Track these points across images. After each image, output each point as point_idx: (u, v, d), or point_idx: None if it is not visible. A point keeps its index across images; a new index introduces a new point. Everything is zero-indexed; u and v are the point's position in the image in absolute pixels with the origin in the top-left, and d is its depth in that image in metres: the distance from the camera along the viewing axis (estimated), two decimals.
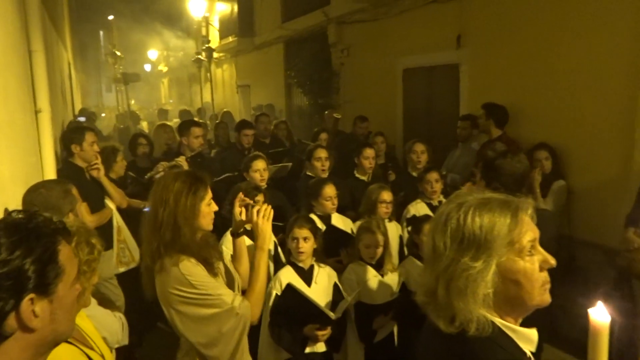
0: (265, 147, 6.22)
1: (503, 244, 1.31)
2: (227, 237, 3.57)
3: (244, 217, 2.53)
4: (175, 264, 2.11)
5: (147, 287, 2.23)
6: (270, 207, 2.39)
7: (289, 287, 2.94)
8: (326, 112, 8.07)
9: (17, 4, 3.73)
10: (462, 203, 1.37)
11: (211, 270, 2.22)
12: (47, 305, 1.15)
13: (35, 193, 2.67)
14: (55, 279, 1.16)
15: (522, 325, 1.40)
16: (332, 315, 2.80)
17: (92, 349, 1.78)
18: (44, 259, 1.13)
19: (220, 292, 2.14)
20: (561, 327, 4.50)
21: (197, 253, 2.17)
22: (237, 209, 2.57)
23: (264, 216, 2.36)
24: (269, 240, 2.38)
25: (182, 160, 4.77)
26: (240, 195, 2.66)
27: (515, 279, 1.32)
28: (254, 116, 8.55)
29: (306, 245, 3.15)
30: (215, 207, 2.30)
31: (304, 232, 3.16)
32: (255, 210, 2.38)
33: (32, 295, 1.11)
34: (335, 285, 3.26)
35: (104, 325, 2.18)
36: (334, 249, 3.55)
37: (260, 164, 4.41)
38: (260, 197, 3.69)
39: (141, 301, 4.88)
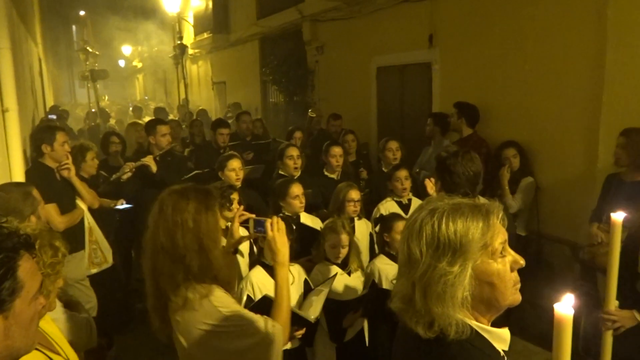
0: (247, 145, 6.22)
1: (477, 247, 1.34)
2: None
3: (243, 232, 2.34)
4: (206, 295, 1.86)
5: (161, 329, 1.95)
6: (280, 218, 2.19)
7: (265, 299, 2.90)
8: (310, 110, 8.07)
9: None
10: (435, 209, 1.40)
11: (231, 291, 2.04)
12: (1, 321, 1.13)
13: None
14: (12, 295, 1.13)
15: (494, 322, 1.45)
16: (311, 318, 2.80)
17: (57, 353, 1.76)
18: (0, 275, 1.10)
19: (251, 318, 1.92)
20: (529, 320, 4.61)
21: (226, 277, 1.98)
22: (236, 225, 2.34)
23: (278, 229, 2.12)
24: (287, 253, 2.14)
25: (149, 160, 4.72)
26: (240, 208, 2.49)
27: (489, 281, 1.36)
28: (227, 113, 8.53)
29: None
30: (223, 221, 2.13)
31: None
32: (268, 223, 2.13)
33: None
34: (306, 280, 3.29)
35: (69, 329, 2.16)
36: (305, 248, 3.56)
37: (235, 163, 4.41)
38: (235, 196, 3.70)
39: (113, 302, 4.86)
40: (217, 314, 1.85)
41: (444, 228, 1.35)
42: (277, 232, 2.10)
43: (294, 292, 3.16)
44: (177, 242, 1.87)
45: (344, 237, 3.40)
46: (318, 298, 2.99)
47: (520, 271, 1.47)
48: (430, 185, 3.02)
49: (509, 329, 1.43)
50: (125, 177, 4.73)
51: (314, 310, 2.90)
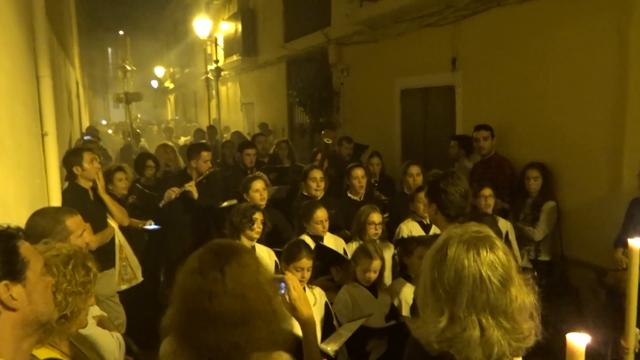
0: (264, 166, 6.34)
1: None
2: None
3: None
4: None
5: None
6: (294, 277, 2.02)
7: None
8: (322, 132, 8.18)
9: (25, 30, 3.87)
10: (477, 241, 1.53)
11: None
12: (22, 289, 1.39)
13: (30, 218, 2.74)
14: (23, 267, 1.40)
15: None
16: (330, 352, 2.82)
17: None
18: (6, 252, 1.37)
19: None
20: (553, 345, 4.53)
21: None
22: None
23: (294, 288, 1.94)
24: (310, 307, 2.00)
25: (192, 186, 4.88)
26: None
27: None
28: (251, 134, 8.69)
29: (308, 273, 3.19)
30: None
31: (310, 263, 3.18)
32: (290, 282, 1.95)
33: (5, 281, 1.35)
34: (326, 303, 3.33)
35: (100, 345, 2.25)
36: (325, 267, 3.60)
37: (259, 184, 4.50)
38: (258, 216, 3.78)
39: (142, 319, 4.97)
40: None
41: (505, 257, 1.52)
42: (294, 290, 1.94)
43: (316, 314, 3.20)
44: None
45: (377, 263, 3.43)
46: (345, 334, 2.98)
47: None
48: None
49: (534, 354, 1.51)
50: (168, 201, 4.93)
51: (334, 345, 2.90)
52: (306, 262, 3.15)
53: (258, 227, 3.72)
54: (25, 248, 1.42)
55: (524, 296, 1.49)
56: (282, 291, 1.97)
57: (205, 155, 5.14)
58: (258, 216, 3.76)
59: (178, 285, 1.57)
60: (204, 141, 10.96)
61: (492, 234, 1.58)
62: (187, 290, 1.54)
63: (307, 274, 3.17)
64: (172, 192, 4.88)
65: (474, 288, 1.45)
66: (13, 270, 1.37)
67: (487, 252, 1.49)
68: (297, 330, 1.97)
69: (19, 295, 1.37)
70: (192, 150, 5.31)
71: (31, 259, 1.43)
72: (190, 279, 1.55)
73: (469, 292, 1.45)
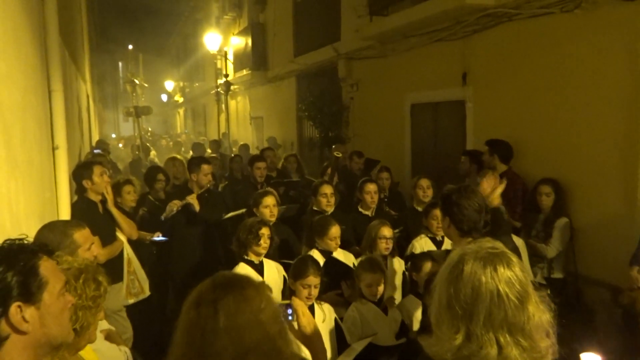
0: (272, 180, 6.35)
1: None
2: (237, 270, 3.67)
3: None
4: None
5: None
6: (300, 302, 2.02)
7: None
8: (333, 146, 8.19)
9: (37, 44, 3.94)
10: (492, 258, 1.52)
11: None
12: (35, 311, 1.35)
13: (39, 232, 2.76)
14: (39, 288, 1.36)
15: None
16: None
17: None
18: (24, 272, 1.33)
19: None
20: None
21: None
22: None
23: (303, 314, 1.90)
24: (319, 332, 1.96)
25: (193, 199, 4.89)
26: None
27: None
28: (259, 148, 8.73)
29: (315, 290, 3.19)
30: None
31: (317, 280, 3.17)
32: (298, 307, 1.91)
33: (18, 302, 1.31)
34: (336, 319, 3.31)
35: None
36: (335, 281, 3.58)
37: (269, 200, 4.51)
38: (265, 231, 3.76)
39: (149, 333, 4.96)
40: None
41: (521, 274, 1.52)
42: (303, 317, 1.89)
43: (325, 330, 3.19)
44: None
45: (379, 276, 3.41)
46: (357, 348, 2.98)
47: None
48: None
49: None
50: (171, 215, 4.94)
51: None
52: (313, 280, 3.13)
53: (265, 242, 3.71)
54: (45, 267, 1.39)
55: (540, 313, 1.48)
56: (290, 317, 1.94)
57: (206, 168, 5.16)
58: (265, 231, 3.74)
59: (180, 317, 1.52)
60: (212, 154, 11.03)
61: (507, 250, 1.58)
62: (184, 323, 1.48)
63: (315, 291, 3.17)
64: (174, 205, 4.89)
65: (491, 305, 1.45)
66: (28, 292, 1.33)
67: (504, 268, 1.48)
68: (307, 355, 1.92)
69: (31, 317, 1.33)
70: (192, 164, 5.33)
71: (50, 279, 1.39)
72: (187, 312, 1.49)
73: (486, 309, 1.44)
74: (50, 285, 1.38)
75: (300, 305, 1.95)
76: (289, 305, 1.96)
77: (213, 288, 1.51)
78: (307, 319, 1.92)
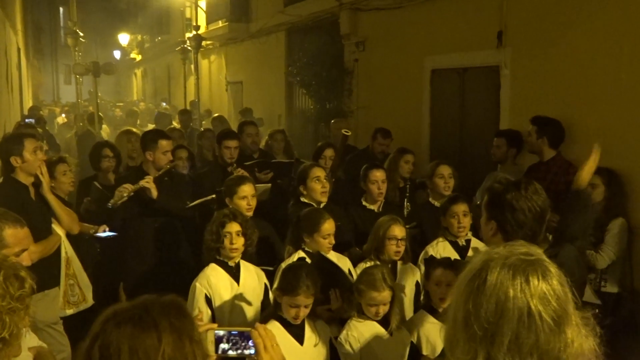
0: (265, 164, 6.19)
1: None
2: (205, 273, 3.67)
3: None
4: None
5: None
6: (268, 328, 1.94)
7: None
8: (332, 121, 8.15)
9: None
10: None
11: None
12: None
13: None
14: None
15: None
16: None
17: None
18: None
19: None
20: None
21: None
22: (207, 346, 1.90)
23: (272, 345, 1.87)
24: None
25: (149, 182, 4.82)
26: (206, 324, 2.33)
27: None
28: (239, 122, 8.65)
29: (306, 311, 3.18)
30: None
31: (309, 300, 3.16)
32: (258, 338, 1.86)
33: None
34: (331, 340, 3.33)
35: None
36: (324, 286, 3.52)
37: (247, 189, 4.44)
38: (232, 227, 3.66)
39: None
40: None
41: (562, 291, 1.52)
42: (266, 354, 1.83)
43: (318, 354, 3.21)
44: None
45: (386, 295, 3.37)
46: None
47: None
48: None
49: None
50: (120, 202, 4.82)
51: None
52: (303, 300, 3.13)
53: (235, 241, 3.66)
54: None
55: (582, 339, 1.48)
56: (251, 351, 1.90)
57: (164, 144, 5.07)
58: (231, 228, 3.67)
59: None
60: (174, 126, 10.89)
61: (545, 257, 1.56)
62: None
63: (304, 312, 3.17)
64: (125, 190, 4.80)
65: (519, 326, 1.43)
66: None
67: (538, 280, 1.47)
68: None
69: None
70: (146, 139, 5.23)
71: None
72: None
73: (513, 331, 1.43)
74: None
75: (264, 337, 1.86)
76: (249, 336, 1.88)
77: (104, 321, 1.48)
78: (272, 356, 1.84)
